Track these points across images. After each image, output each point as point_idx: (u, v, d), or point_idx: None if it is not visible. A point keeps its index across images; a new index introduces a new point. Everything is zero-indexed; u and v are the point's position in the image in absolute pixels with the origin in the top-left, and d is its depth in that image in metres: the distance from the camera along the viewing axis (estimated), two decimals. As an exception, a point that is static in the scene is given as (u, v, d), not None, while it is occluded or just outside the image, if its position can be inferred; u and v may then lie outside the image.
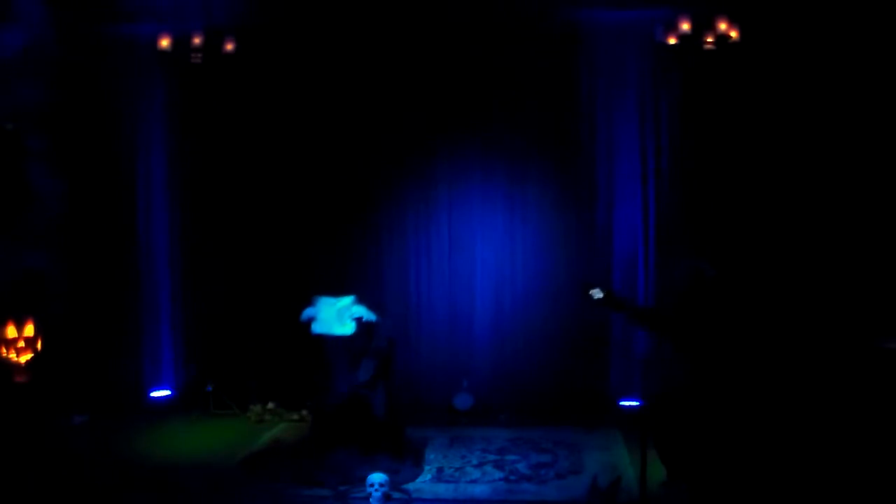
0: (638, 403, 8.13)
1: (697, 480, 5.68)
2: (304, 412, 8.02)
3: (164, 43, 8.14)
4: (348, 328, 6.42)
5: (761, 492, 5.83)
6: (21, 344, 7.99)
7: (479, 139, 8.45)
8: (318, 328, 6.40)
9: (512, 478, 6.52)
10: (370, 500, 5.80)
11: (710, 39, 7.75)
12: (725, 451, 5.71)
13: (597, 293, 5.91)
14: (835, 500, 5.81)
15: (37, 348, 8.08)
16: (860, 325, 7.74)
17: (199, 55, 8.09)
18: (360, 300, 6.63)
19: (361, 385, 6.50)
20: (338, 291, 6.65)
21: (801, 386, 7.54)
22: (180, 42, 8.12)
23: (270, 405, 8.27)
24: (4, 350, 7.93)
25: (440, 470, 6.68)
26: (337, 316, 6.37)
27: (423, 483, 6.41)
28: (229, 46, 8.15)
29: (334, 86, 8.42)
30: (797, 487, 5.92)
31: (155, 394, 8.68)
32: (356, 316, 6.43)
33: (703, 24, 7.78)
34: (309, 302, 6.88)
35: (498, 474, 6.59)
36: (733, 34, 7.74)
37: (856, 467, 6.11)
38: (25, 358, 8.00)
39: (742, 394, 6.00)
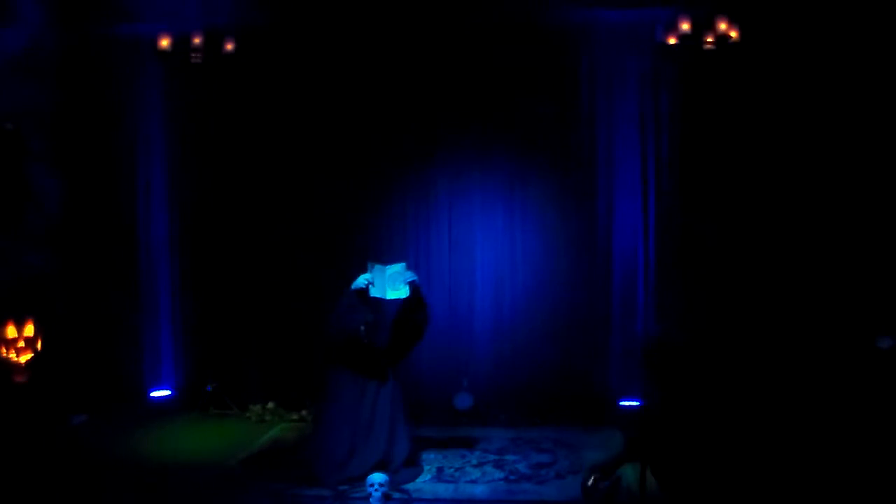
0: (638, 403, 8.15)
1: (689, 492, 5.65)
2: (304, 412, 8.02)
3: (164, 43, 8.15)
4: (402, 292, 6.51)
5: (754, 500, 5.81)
6: (21, 344, 7.99)
7: (479, 139, 8.45)
8: (374, 292, 6.50)
9: (512, 478, 6.52)
10: (370, 500, 5.81)
11: (710, 39, 7.76)
12: (717, 461, 5.68)
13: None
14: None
15: (37, 348, 8.08)
16: (854, 323, 7.76)
17: (199, 55, 8.10)
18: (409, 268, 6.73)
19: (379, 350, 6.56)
20: (385, 258, 6.79)
21: (794, 389, 7.54)
22: (180, 42, 8.13)
23: (270, 405, 8.27)
24: (4, 350, 7.94)
25: (440, 470, 6.68)
26: (389, 281, 6.46)
27: (423, 483, 6.41)
28: (229, 46, 8.15)
29: (334, 86, 8.42)
30: (790, 493, 5.90)
31: (155, 394, 8.68)
32: (409, 280, 6.50)
33: (703, 24, 7.79)
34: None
35: (498, 474, 6.59)
36: (733, 34, 7.75)
37: (848, 473, 6.08)
38: (25, 358, 8.00)
39: (733, 403, 6.00)
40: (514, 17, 8.16)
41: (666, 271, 8.27)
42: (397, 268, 6.52)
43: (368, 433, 6.43)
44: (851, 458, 6.19)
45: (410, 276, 6.54)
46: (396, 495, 6.07)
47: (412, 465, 6.61)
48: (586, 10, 8.17)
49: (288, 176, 8.54)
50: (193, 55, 8.10)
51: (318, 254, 8.50)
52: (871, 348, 7.56)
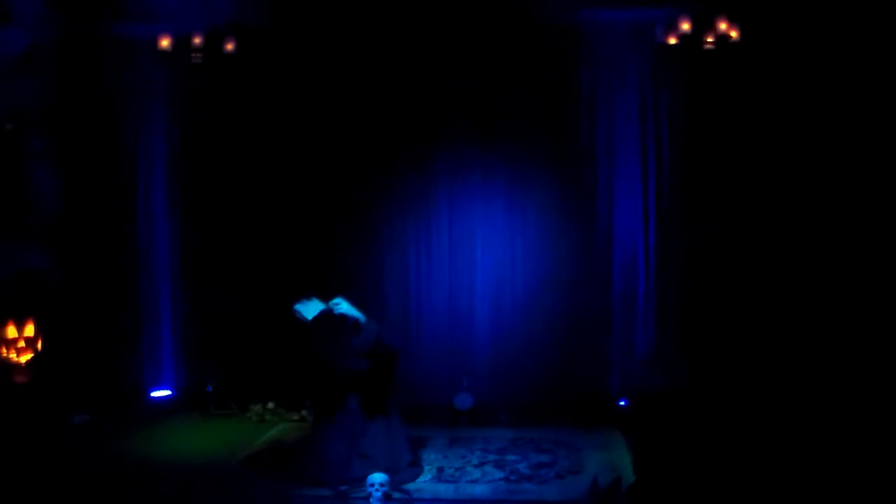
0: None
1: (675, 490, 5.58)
2: (305, 412, 8.02)
3: (164, 43, 8.15)
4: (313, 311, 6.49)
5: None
6: (21, 344, 8.01)
7: (479, 139, 8.45)
8: (298, 306, 6.53)
9: (512, 478, 6.52)
10: (370, 500, 5.80)
11: (710, 39, 7.76)
12: (709, 462, 5.63)
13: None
14: None
15: (37, 348, 8.09)
16: (853, 321, 7.76)
17: (199, 55, 8.10)
18: (355, 301, 6.69)
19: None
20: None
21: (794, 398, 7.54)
22: (180, 42, 8.13)
23: (270, 405, 8.27)
24: (4, 350, 7.95)
25: (440, 470, 6.68)
26: (316, 308, 6.50)
27: (424, 483, 6.41)
28: (229, 46, 8.15)
29: (334, 85, 8.42)
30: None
31: (155, 394, 8.68)
32: (332, 304, 6.48)
33: (703, 24, 7.79)
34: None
35: (498, 474, 6.59)
36: (733, 34, 7.75)
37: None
38: (25, 358, 8.01)
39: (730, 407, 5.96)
40: (514, 17, 8.16)
41: (666, 272, 8.27)
42: (336, 300, 6.53)
43: (365, 444, 6.43)
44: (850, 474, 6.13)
45: (340, 303, 6.49)
46: (397, 495, 6.07)
47: (413, 465, 6.61)
48: (586, 10, 8.17)
49: (288, 175, 8.53)
50: (194, 55, 8.10)
51: (319, 253, 8.51)
52: (868, 347, 7.59)
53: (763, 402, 7.43)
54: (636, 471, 5.73)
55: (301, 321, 6.49)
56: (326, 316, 6.46)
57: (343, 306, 6.50)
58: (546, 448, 7.19)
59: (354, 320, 6.51)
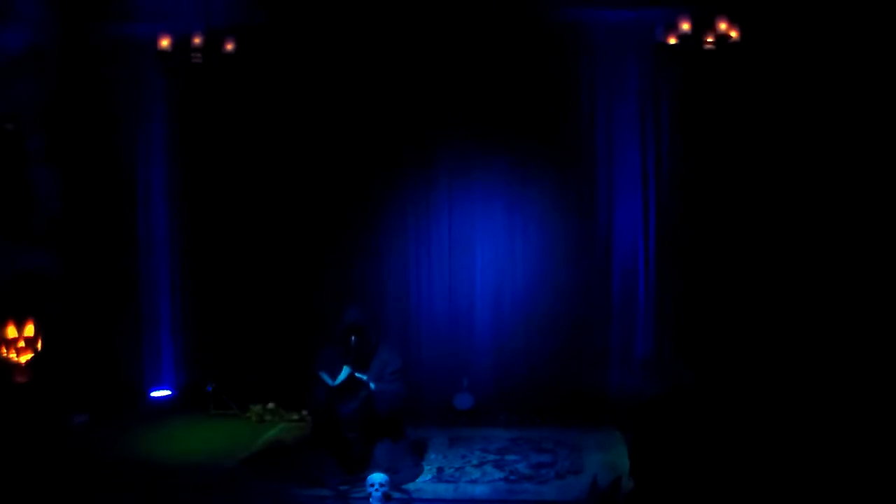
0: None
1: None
2: (304, 412, 8.02)
3: (164, 43, 8.11)
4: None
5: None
6: (21, 344, 8.01)
7: (479, 139, 8.44)
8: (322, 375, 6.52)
9: (512, 478, 6.53)
10: (370, 500, 5.81)
11: (710, 39, 7.74)
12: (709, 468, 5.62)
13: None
14: None
15: (37, 348, 8.09)
16: (854, 322, 7.76)
17: (199, 55, 8.08)
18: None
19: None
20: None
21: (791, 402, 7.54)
22: (180, 42, 8.09)
23: (270, 405, 8.28)
24: (4, 350, 7.95)
25: (440, 470, 6.69)
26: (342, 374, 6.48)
27: (423, 483, 6.42)
28: (229, 46, 8.13)
29: (334, 85, 8.42)
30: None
31: (155, 394, 8.68)
32: (358, 375, 6.49)
33: (703, 24, 7.76)
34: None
35: (498, 474, 6.60)
36: (733, 34, 7.72)
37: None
38: (25, 358, 8.01)
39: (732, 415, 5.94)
40: (514, 17, 8.16)
41: (666, 271, 8.27)
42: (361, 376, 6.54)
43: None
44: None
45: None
46: (397, 495, 6.08)
47: (413, 465, 6.61)
48: (586, 10, 8.17)
49: (288, 175, 8.53)
50: (193, 55, 8.07)
51: (319, 253, 8.51)
52: (868, 348, 7.58)
53: (762, 403, 7.43)
54: (632, 473, 5.73)
55: (324, 383, 6.49)
56: (350, 381, 6.47)
57: (363, 378, 6.52)
58: (546, 448, 7.20)
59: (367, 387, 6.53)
